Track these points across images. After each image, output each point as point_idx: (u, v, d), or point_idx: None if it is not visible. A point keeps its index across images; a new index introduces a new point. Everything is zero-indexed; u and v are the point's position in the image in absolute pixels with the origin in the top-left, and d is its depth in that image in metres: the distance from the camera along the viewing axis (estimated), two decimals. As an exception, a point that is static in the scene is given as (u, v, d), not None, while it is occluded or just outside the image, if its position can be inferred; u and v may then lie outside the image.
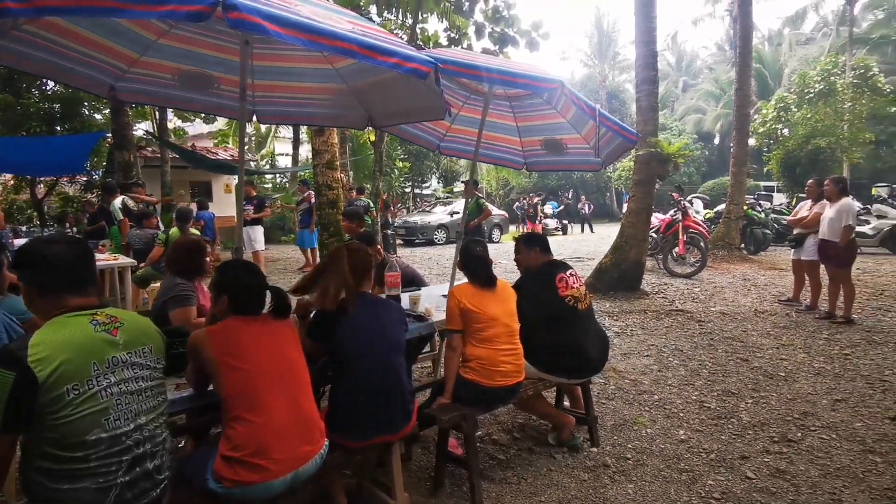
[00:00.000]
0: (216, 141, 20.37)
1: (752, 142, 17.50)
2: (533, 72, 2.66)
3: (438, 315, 3.12)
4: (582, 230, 21.87)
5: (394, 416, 2.19)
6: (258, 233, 9.15)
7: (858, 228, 9.66)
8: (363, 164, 17.99)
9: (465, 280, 2.83)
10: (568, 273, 3.09)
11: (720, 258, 10.17)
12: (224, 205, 16.45)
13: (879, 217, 10.86)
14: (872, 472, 2.79)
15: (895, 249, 10.57)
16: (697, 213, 11.07)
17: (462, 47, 9.68)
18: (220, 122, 19.41)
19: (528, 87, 2.87)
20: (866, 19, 27.45)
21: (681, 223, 8.83)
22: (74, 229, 8.80)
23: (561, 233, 21.11)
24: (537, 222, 19.58)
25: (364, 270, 2.25)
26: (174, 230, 5.92)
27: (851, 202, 5.69)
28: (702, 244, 8.85)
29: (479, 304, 2.67)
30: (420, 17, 10.45)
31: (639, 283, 7.46)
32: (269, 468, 1.72)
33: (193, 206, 8.57)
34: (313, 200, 9.74)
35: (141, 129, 15.94)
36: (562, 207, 23.08)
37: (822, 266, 5.97)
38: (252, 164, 19.95)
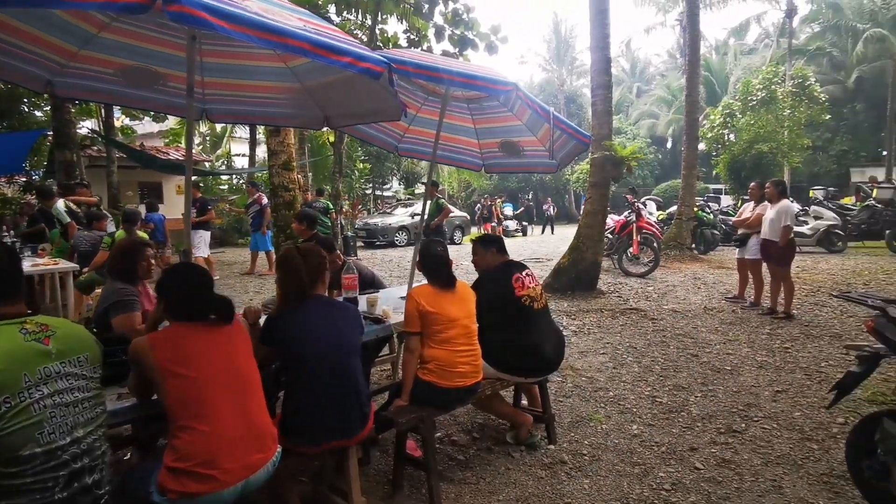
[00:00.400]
0: (167, 140, 19.62)
1: (701, 146, 18.25)
2: (487, 74, 2.69)
3: (396, 317, 3.11)
4: (543, 231, 22.24)
5: (349, 420, 2.15)
6: (201, 237, 8.77)
7: (797, 229, 10.21)
8: (323, 165, 17.70)
9: (425, 281, 2.82)
10: (524, 273, 3.14)
11: (672, 258, 10.54)
12: (176, 207, 15.83)
13: (816, 218, 11.51)
14: (810, 458, 2.95)
15: (831, 248, 11.23)
16: (651, 214, 11.43)
17: (422, 49, 9.67)
18: (172, 121, 18.68)
19: (482, 89, 2.89)
20: (804, 31, 29.15)
21: (635, 224, 9.10)
22: (12, 232, 8.28)
23: (521, 234, 21.41)
24: (497, 224, 19.79)
25: (317, 273, 2.21)
26: (119, 232, 5.65)
27: (790, 204, 6.01)
28: (655, 244, 9.15)
29: (439, 306, 2.67)
30: (379, 18, 10.38)
31: (595, 283, 7.64)
32: (217, 478, 1.67)
33: (142, 208, 8.22)
34: (265, 202, 9.49)
35: (86, 127, 15.17)
36: (521, 209, 23.41)
37: (765, 264, 6.28)
38: (207, 164, 19.34)
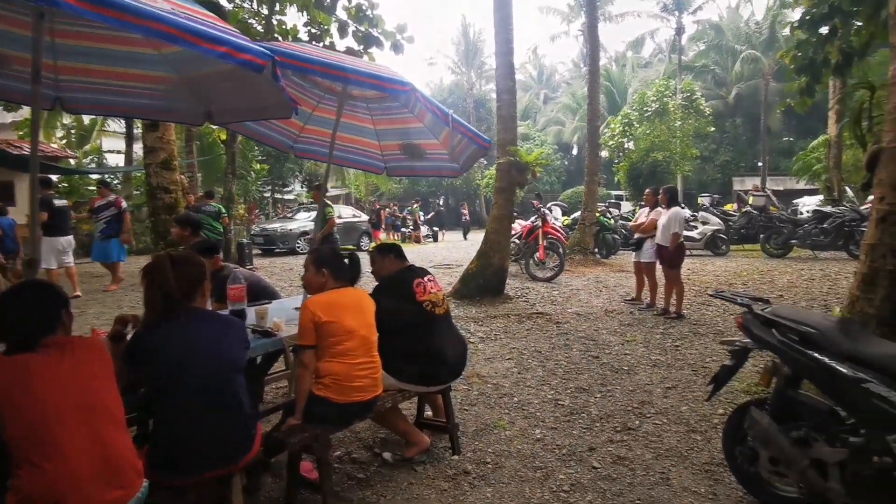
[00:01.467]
0: (21, 133, 17.48)
1: (604, 153, 19.71)
2: (382, 72, 2.69)
3: (290, 329, 3.00)
4: (465, 237, 22.53)
5: (230, 445, 2.03)
6: (51, 246, 7.51)
7: (687, 233, 11.24)
8: (214, 165, 16.72)
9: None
10: (426, 278, 3.17)
11: (577, 262, 11.19)
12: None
13: (704, 223, 12.82)
14: (694, 449, 3.25)
15: (716, 251, 12.54)
16: (556, 219, 12.06)
17: (324, 45, 9.48)
18: (27, 111, 16.68)
19: (376, 88, 2.90)
20: (692, 49, 32.47)
21: (541, 229, 9.55)
22: None
23: (432, 240, 21.63)
24: (414, 229, 19.96)
25: (193, 283, 2.07)
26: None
27: (680, 211, 6.63)
28: (560, 249, 9.65)
29: (336, 316, 2.61)
30: (277, 8, 10.04)
31: (502, 288, 7.90)
32: (64, 522, 1.50)
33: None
34: (124, 206, 8.59)
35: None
36: (432, 214, 23.68)
37: (660, 267, 6.86)
38: (72, 161, 17.49)
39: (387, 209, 24.46)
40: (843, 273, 9.00)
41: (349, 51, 8.98)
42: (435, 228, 22.58)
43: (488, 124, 29.62)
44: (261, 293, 3.81)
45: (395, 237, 22.06)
